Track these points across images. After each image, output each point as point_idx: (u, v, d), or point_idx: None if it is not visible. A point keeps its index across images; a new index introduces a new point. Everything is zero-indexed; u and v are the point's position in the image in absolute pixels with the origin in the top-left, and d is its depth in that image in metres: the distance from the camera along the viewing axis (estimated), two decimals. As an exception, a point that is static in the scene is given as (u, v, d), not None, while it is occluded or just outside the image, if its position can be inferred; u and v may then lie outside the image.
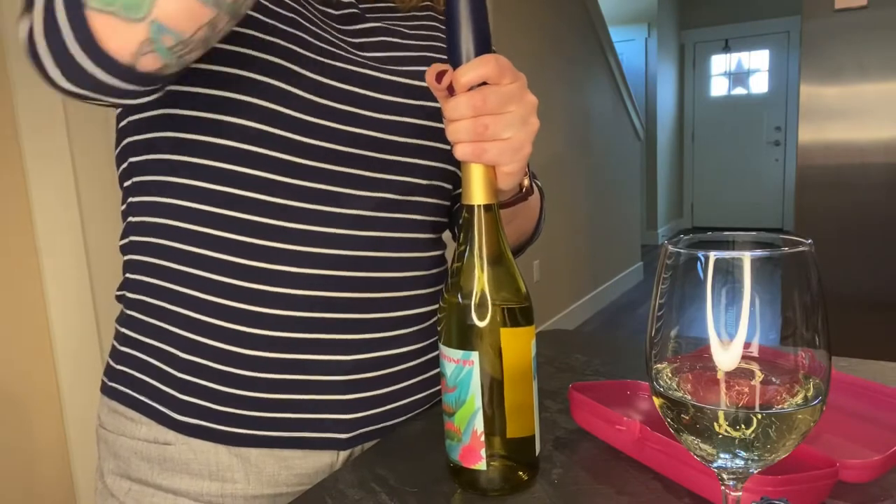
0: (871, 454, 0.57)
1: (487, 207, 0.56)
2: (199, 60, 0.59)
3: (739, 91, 7.35)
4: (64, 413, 1.48)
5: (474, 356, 0.55)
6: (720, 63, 7.37)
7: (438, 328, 0.58)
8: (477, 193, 0.56)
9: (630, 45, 6.66)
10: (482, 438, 0.57)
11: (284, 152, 0.63)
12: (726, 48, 7.27)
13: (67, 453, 1.50)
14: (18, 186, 1.38)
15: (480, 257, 0.56)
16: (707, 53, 7.41)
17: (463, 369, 0.56)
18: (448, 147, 0.67)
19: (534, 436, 0.59)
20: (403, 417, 0.73)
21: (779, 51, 7.02)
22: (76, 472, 1.50)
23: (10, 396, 1.39)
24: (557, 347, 0.97)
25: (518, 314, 0.56)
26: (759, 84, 7.23)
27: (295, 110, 0.62)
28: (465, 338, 0.56)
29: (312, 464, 0.70)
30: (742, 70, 7.29)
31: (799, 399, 0.37)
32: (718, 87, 7.43)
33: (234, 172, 0.63)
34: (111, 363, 0.72)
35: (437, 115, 0.69)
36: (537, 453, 0.60)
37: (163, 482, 0.68)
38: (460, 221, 0.58)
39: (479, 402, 0.56)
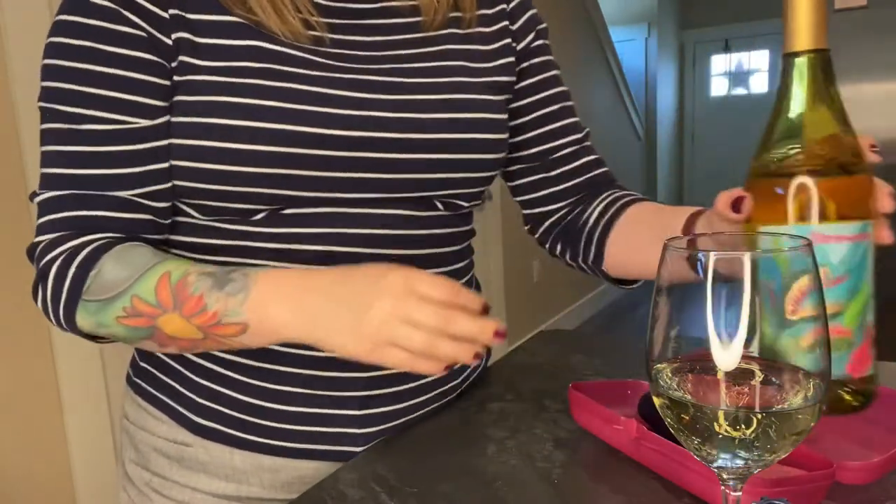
0: (871, 455, 0.57)
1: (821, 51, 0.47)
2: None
3: (739, 91, 7.34)
4: (64, 413, 1.48)
5: (871, 227, 0.45)
6: (720, 63, 7.37)
7: (789, 210, 0.47)
8: (801, 36, 0.48)
9: (630, 45, 6.65)
10: (874, 332, 0.47)
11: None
12: (726, 48, 7.27)
13: (67, 453, 1.50)
14: (18, 186, 1.38)
15: (838, 105, 0.48)
16: (707, 53, 7.40)
17: (859, 248, 0.45)
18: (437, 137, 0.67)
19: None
20: (410, 430, 0.73)
21: (779, 51, 6.99)
22: (76, 473, 1.50)
23: (10, 396, 1.39)
24: (557, 347, 0.97)
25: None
26: (759, 84, 7.22)
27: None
28: (864, 202, 0.45)
29: (325, 474, 0.70)
30: (742, 70, 7.28)
31: (799, 399, 0.37)
32: (718, 87, 7.42)
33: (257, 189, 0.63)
34: (136, 358, 0.74)
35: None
36: None
37: (180, 479, 0.70)
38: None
39: (871, 286, 0.46)
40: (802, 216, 0.46)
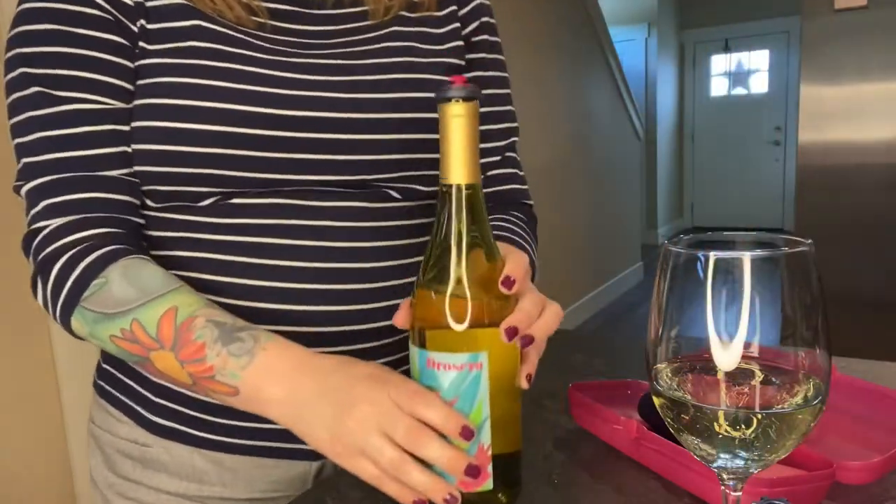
0: (871, 455, 0.57)
1: (470, 186, 0.51)
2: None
3: (739, 91, 7.35)
4: (64, 413, 1.48)
5: (483, 357, 0.49)
6: (720, 63, 7.37)
7: (417, 332, 0.51)
8: (457, 171, 0.50)
9: (630, 45, 6.65)
10: (489, 452, 0.50)
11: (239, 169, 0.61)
12: (726, 48, 7.27)
13: (67, 453, 1.50)
14: (18, 186, 1.38)
15: (485, 240, 0.51)
16: (707, 53, 7.41)
17: (469, 375, 0.49)
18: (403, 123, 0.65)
19: (520, 451, 0.54)
20: None
21: (779, 51, 7.02)
22: (76, 472, 1.50)
23: (11, 396, 1.39)
24: (557, 347, 0.97)
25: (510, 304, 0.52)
26: (759, 84, 7.22)
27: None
28: (472, 336, 0.49)
29: (286, 472, 0.70)
30: (742, 70, 7.28)
31: (799, 399, 0.37)
32: (718, 87, 7.43)
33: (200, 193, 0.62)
34: (100, 361, 0.74)
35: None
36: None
37: (144, 479, 0.69)
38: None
39: (486, 411, 0.49)
40: (422, 341, 0.50)
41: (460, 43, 0.74)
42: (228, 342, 0.55)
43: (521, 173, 0.83)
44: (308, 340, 0.63)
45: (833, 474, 0.53)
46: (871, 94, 2.20)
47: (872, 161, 2.23)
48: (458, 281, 0.49)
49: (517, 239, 0.73)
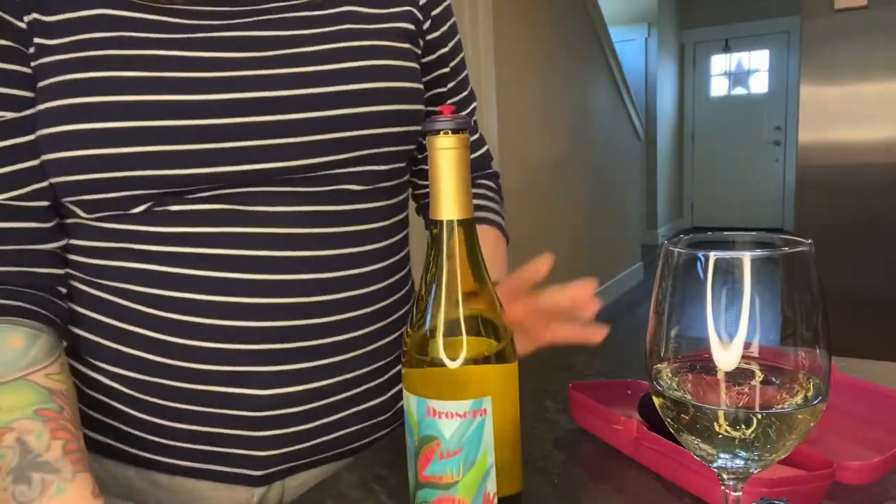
0: (871, 455, 0.57)
1: (463, 222, 0.47)
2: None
3: (739, 91, 7.34)
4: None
5: (487, 402, 0.46)
6: (720, 63, 7.36)
7: (413, 379, 0.47)
8: (449, 207, 0.47)
9: (630, 45, 6.65)
10: (495, 501, 0.47)
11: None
12: (726, 48, 7.27)
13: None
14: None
15: (481, 277, 0.48)
16: (707, 53, 7.40)
17: (473, 423, 0.46)
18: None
19: (521, 493, 0.51)
20: (330, 453, 0.67)
21: (779, 51, 7.01)
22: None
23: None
24: (557, 347, 0.97)
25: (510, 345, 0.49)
26: (759, 84, 7.22)
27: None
28: (475, 381, 0.46)
29: (226, 497, 0.65)
30: (742, 70, 7.28)
31: (799, 399, 0.37)
32: (718, 87, 7.42)
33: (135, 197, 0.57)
34: None
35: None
36: None
37: None
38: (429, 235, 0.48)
39: (492, 458, 0.47)
40: (420, 388, 0.47)
41: (408, 8, 0.68)
42: (18, 480, 0.49)
43: (480, 134, 0.86)
44: (262, 359, 0.60)
45: (833, 474, 0.53)
46: (871, 94, 2.20)
47: (872, 161, 2.23)
48: (457, 324, 0.46)
49: (492, 217, 0.77)
